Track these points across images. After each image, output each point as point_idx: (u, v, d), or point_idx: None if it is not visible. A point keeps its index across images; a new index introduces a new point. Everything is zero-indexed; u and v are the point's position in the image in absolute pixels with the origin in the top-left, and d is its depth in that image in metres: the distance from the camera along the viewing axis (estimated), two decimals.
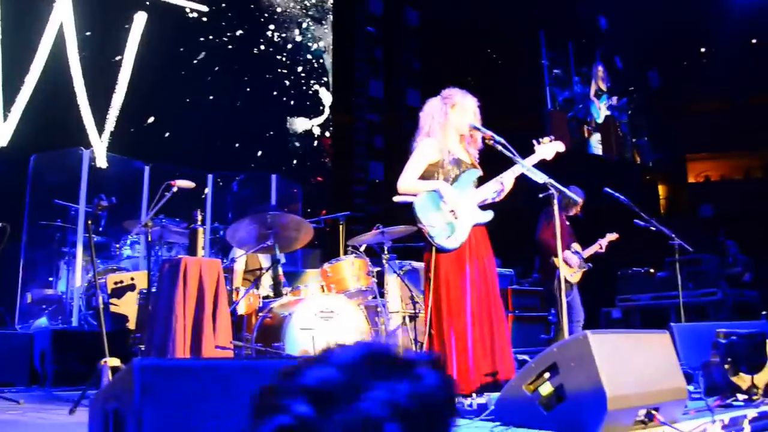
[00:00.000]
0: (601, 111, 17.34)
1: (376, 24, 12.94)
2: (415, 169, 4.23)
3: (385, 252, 5.45)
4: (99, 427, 2.32)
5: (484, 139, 4.28)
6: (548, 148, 4.33)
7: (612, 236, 6.80)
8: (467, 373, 3.92)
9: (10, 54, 8.44)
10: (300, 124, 11.33)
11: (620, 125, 17.98)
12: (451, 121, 4.26)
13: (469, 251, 4.11)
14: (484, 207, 4.26)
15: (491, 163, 4.45)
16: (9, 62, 8.42)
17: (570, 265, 6.53)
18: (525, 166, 4.15)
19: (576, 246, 6.69)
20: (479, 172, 4.33)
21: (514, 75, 15.14)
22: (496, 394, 3.47)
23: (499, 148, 4.14)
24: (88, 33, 9.07)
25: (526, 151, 4.36)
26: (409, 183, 4.22)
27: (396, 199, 5.40)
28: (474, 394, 3.79)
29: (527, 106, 15.41)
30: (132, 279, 6.13)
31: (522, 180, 4.31)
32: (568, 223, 6.73)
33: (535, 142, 4.35)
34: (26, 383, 5.90)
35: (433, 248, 4.08)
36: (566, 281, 6.43)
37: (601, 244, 6.73)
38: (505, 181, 4.25)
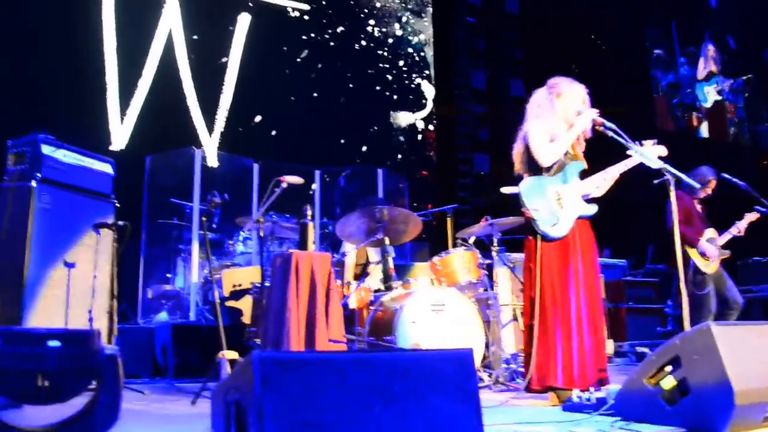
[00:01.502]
0: (709, 95, 16.49)
1: (475, 14, 12.81)
2: (543, 141, 4.13)
3: (495, 244, 5.37)
4: (221, 417, 2.37)
5: (594, 126, 4.15)
6: (651, 151, 4.09)
7: (752, 216, 6.28)
8: (583, 367, 3.86)
9: (124, 61, 8.90)
10: (403, 118, 11.39)
11: (737, 109, 17.06)
12: (558, 111, 4.18)
13: (573, 243, 4.04)
14: (587, 201, 4.18)
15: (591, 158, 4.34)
16: (123, 69, 8.88)
17: (707, 255, 6.08)
18: (638, 152, 4.00)
19: (711, 232, 6.21)
20: (584, 165, 4.23)
21: (617, 60, 14.66)
22: (614, 387, 3.37)
23: (610, 134, 4.02)
24: (195, 37, 9.47)
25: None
26: (548, 148, 4.11)
27: (504, 190, 5.34)
28: (591, 388, 3.70)
29: (631, 92, 14.89)
30: (251, 284, 6.28)
31: (632, 168, 4.16)
32: (700, 207, 6.36)
33: (637, 144, 4.16)
34: (150, 375, 6.15)
35: (538, 236, 4.03)
36: (702, 273, 6.08)
37: (739, 228, 6.26)
38: (609, 175, 4.15)
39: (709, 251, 6.08)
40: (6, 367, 2.38)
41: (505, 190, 5.30)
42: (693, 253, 6.04)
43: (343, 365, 2.29)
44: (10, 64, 7.85)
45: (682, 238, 5.75)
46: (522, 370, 5.19)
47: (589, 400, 3.45)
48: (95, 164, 5.07)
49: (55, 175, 4.71)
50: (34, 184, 4.56)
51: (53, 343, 2.44)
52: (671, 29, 16.08)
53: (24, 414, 2.51)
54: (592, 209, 4.15)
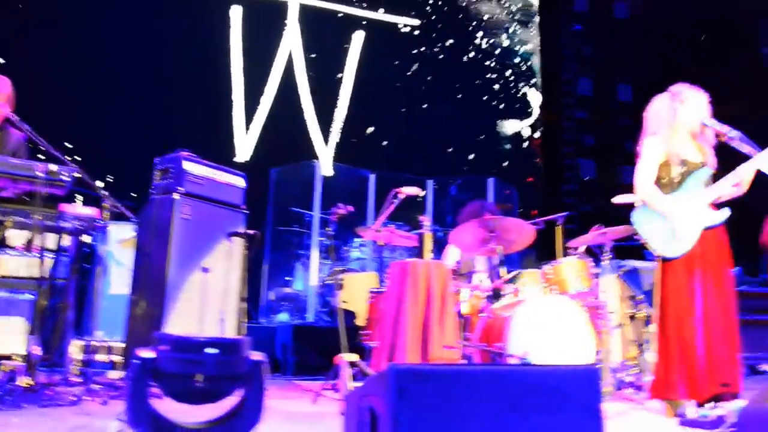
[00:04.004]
0: None
1: (582, 21, 12.74)
2: (649, 172, 4.02)
3: (606, 252, 5.33)
4: (354, 421, 2.53)
5: (717, 136, 4.03)
6: None
7: None
8: (696, 380, 3.73)
9: (249, 80, 9.57)
10: (510, 126, 11.52)
11: None
12: (680, 119, 4.02)
13: (698, 257, 3.90)
14: (719, 205, 4.00)
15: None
16: (248, 87, 9.56)
17: None
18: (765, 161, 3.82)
19: None
20: (709, 171, 4.04)
21: (730, 64, 14.09)
22: (734, 405, 3.35)
23: (735, 145, 3.89)
24: (313, 55, 10.02)
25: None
26: (647, 190, 4.03)
27: (615, 199, 5.29)
28: (709, 404, 3.63)
29: (746, 96, 14.25)
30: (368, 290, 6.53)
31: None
32: None
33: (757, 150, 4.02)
34: (269, 371, 6.53)
35: (660, 258, 3.97)
36: None
37: None
38: (742, 172, 3.91)
39: None
40: (172, 371, 2.66)
41: (617, 199, 5.24)
42: None
43: (475, 378, 2.37)
44: (151, 86, 8.54)
45: None
46: (630, 379, 5.23)
47: (705, 416, 3.36)
48: (229, 178, 5.44)
49: (195, 189, 5.07)
50: (176, 196, 4.93)
51: (211, 351, 2.70)
52: None
53: (181, 412, 2.78)
54: (721, 216, 3.97)
